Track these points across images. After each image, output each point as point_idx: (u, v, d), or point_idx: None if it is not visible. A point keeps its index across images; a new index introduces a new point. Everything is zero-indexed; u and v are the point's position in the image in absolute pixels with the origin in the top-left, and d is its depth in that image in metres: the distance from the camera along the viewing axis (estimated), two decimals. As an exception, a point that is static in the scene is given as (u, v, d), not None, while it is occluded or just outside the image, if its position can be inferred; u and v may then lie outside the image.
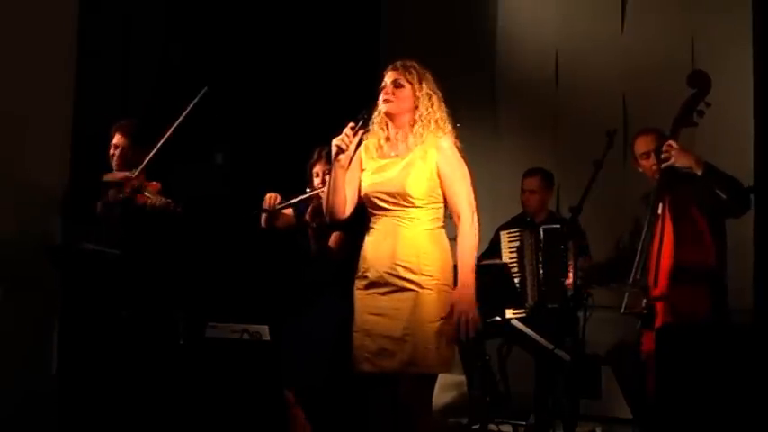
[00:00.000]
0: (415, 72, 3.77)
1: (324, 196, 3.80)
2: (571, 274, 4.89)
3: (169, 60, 6.24)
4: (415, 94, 3.75)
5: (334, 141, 3.67)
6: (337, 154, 3.67)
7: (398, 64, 3.81)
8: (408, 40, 6.85)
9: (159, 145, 4.83)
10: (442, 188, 3.72)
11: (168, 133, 4.85)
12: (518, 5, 6.84)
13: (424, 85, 3.76)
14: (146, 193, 4.77)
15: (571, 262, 4.83)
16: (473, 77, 6.58)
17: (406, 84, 3.75)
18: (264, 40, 6.56)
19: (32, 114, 5.18)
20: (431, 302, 3.63)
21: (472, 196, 3.75)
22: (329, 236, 4.78)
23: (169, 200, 4.73)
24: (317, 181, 4.78)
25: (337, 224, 4.55)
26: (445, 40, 6.80)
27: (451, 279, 3.72)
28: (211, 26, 6.40)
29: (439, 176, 3.71)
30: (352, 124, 3.69)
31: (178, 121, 4.86)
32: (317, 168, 4.79)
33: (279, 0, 6.62)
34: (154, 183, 4.91)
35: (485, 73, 6.81)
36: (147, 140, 4.91)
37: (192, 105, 4.86)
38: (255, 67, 6.50)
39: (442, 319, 3.64)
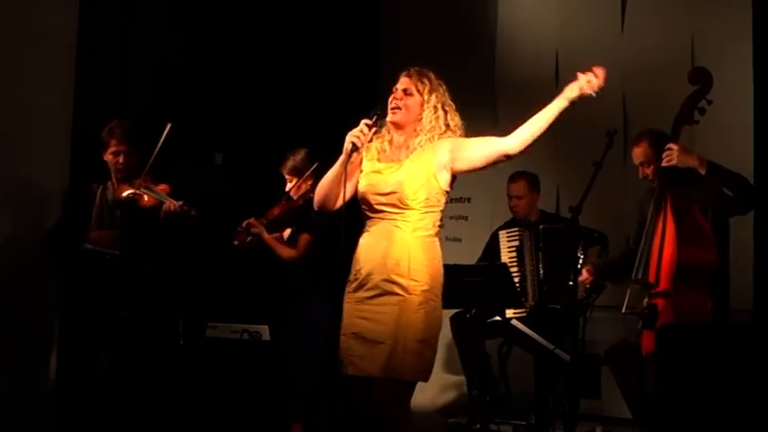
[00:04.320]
0: (427, 82, 3.73)
1: (321, 184, 3.76)
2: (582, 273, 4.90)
3: (169, 61, 6.25)
4: (422, 105, 3.71)
5: (350, 138, 3.63)
6: (352, 150, 3.63)
7: (413, 71, 3.77)
8: (408, 41, 6.85)
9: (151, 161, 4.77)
10: (474, 161, 3.65)
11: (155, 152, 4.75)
12: (518, 6, 6.83)
13: (433, 97, 3.72)
14: (154, 194, 4.72)
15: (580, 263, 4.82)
16: (473, 77, 6.57)
17: (416, 93, 3.72)
18: (264, 41, 6.57)
19: (32, 114, 5.18)
20: (416, 309, 3.59)
21: None
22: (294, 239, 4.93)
23: (182, 202, 4.69)
24: (289, 185, 4.89)
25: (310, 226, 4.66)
26: (445, 40, 6.80)
27: (439, 289, 3.68)
28: (211, 27, 6.40)
29: (463, 154, 3.64)
30: (367, 121, 3.66)
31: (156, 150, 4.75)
32: (287, 174, 4.89)
33: (279, 2, 6.63)
34: (162, 185, 4.88)
35: (485, 73, 6.80)
36: (144, 140, 4.88)
37: (161, 142, 4.73)
38: (255, 68, 6.50)
39: (425, 332, 3.61)
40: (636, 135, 4.83)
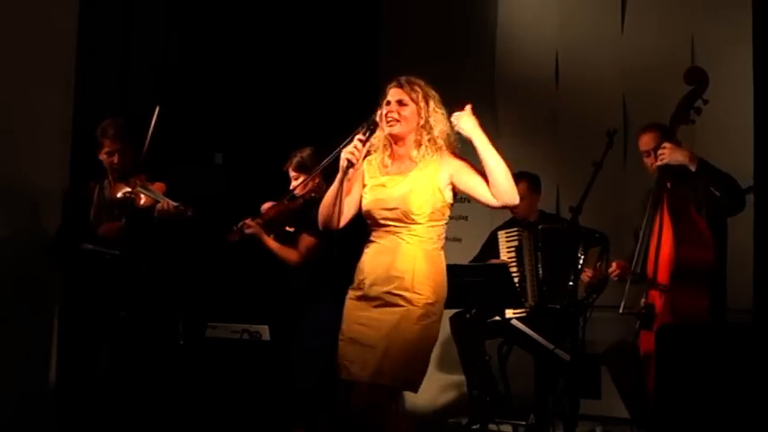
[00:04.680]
0: (419, 89, 3.72)
1: (323, 204, 3.78)
2: (586, 274, 4.90)
3: (169, 61, 6.25)
4: (419, 114, 3.70)
5: (345, 155, 3.64)
6: (348, 168, 3.64)
7: (402, 80, 3.75)
8: (408, 42, 6.85)
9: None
10: (465, 191, 3.69)
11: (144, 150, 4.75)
12: (518, 6, 6.83)
13: (431, 104, 3.71)
14: (150, 194, 4.70)
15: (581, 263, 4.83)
16: (473, 78, 6.58)
17: (411, 103, 3.71)
18: (264, 41, 6.56)
19: (32, 114, 5.18)
20: (415, 320, 3.61)
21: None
22: (295, 240, 4.83)
23: (178, 203, 4.68)
24: (294, 183, 4.83)
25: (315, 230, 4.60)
26: (445, 40, 6.80)
27: (442, 303, 3.70)
28: (212, 27, 6.40)
29: (457, 187, 3.69)
30: (360, 137, 3.67)
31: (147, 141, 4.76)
32: (293, 171, 4.86)
33: (279, 3, 6.63)
34: (158, 183, 4.87)
35: (485, 73, 6.80)
36: (139, 136, 4.87)
37: (152, 126, 4.75)
38: (255, 69, 6.50)
39: (421, 343, 3.63)
40: (645, 125, 4.80)
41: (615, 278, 4.78)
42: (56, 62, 5.32)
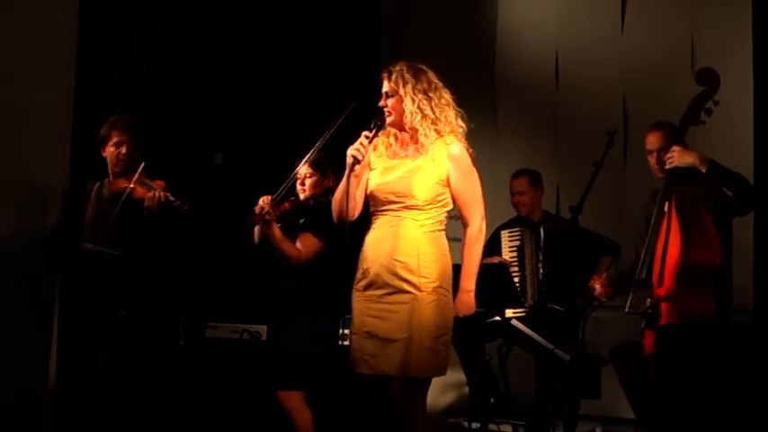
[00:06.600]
0: (398, 77, 3.73)
1: (334, 201, 3.79)
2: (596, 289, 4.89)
3: (168, 61, 6.26)
4: (402, 101, 3.72)
5: (350, 152, 3.67)
6: (353, 164, 3.67)
7: (385, 71, 3.78)
8: (408, 41, 6.84)
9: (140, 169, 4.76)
10: (451, 195, 3.74)
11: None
12: (518, 5, 6.83)
13: (408, 89, 3.71)
14: (146, 186, 4.66)
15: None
16: (473, 78, 6.57)
17: (394, 92, 3.74)
18: (264, 42, 6.57)
19: (32, 114, 5.19)
20: (428, 306, 3.63)
21: (482, 205, 3.77)
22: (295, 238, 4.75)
23: (174, 198, 4.62)
24: (302, 185, 4.76)
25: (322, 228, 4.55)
26: (445, 40, 6.80)
27: (450, 282, 3.73)
28: (211, 27, 6.41)
29: (449, 184, 3.72)
30: (366, 133, 3.70)
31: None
32: (310, 168, 4.78)
33: (279, 3, 6.63)
34: (159, 181, 4.85)
35: (485, 73, 6.80)
36: (144, 135, 4.86)
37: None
38: (255, 69, 6.50)
39: (439, 329, 3.66)
40: (654, 123, 4.77)
41: (603, 299, 4.75)
42: (56, 62, 5.33)
